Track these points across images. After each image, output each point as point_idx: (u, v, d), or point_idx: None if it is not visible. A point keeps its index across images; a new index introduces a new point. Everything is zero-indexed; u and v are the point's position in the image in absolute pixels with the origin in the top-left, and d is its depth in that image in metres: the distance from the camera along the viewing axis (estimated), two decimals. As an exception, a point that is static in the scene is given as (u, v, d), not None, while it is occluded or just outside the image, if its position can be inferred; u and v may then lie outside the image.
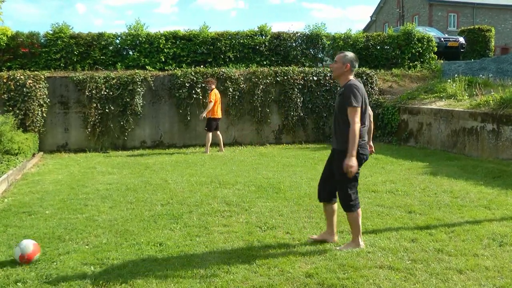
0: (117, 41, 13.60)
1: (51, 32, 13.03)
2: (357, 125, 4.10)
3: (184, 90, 11.92)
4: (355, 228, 4.35)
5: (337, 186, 4.38)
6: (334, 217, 4.54)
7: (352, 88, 4.19)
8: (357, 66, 4.42)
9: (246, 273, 3.80)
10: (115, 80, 11.56)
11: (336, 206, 4.55)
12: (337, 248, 4.34)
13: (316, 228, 4.98)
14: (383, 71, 14.78)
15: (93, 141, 11.60)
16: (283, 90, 12.58)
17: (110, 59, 13.34)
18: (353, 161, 4.08)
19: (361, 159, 4.27)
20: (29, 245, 4.11)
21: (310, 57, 14.95)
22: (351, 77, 4.36)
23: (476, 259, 4.00)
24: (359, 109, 4.15)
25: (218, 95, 10.92)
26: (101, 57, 13.24)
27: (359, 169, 4.28)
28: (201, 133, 12.00)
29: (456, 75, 12.86)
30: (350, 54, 4.39)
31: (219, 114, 10.96)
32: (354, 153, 4.09)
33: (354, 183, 4.31)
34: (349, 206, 4.30)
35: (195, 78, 11.99)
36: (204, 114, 10.78)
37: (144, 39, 13.49)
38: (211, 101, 10.65)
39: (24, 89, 10.84)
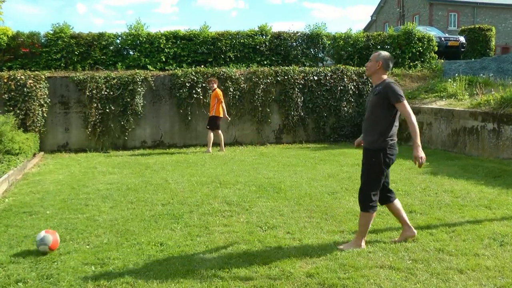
0: (118, 41, 13.59)
1: (51, 32, 13.03)
2: (414, 116, 4.13)
3: (184, 90, 11.93)
4: (363, 229, 4.34)
5: (360, 182, 4.38)
6: (402, 213, 4.51)
7: (392, 85, 4.20)
8: (391, 65, 4.40)
9: (246, 273, 3.80)
10: (115, 80, 11.57)
11: (398, 201, 4.55)
12: (339, 247, 4.34)
13: (317, 228, 4.98)
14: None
15: (93, 141, 11.61)
16: (283, 89, 12.58)
17: (111, 59, 13.34)
18: (420, 152, 4.07)
19: (389, 160, 4.26)
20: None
21: (311, 57, 14.94)
22: (385, 76, 4.36)
23: (477, 259, 4.00)
24: (406, 102, 4.19)
25: (221, 94, 11.00)
26: (102, 57, 13.24)
27: (386, 171, 4.29)
28: (201, 132, 12.01)
29: (456, 74, 12.85)
30: (383, 53, 4.40)
31: (221, 113, 10.99)
32: (419, 142, 4.09)
33: (377, 184, 4.29)
34: (367, 206, 4.28)
35: (195, 78, 12.00)
36: (226, 115, 11.13)
37: (144, 39, 13.48)
38: (221, 100, 10.81)
39: (25, 89, 10.85)
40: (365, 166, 4.35)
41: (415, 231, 4.53)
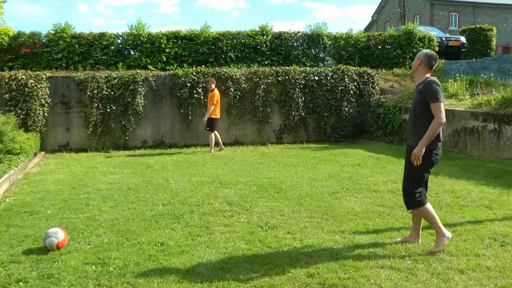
0: (119, 41, 13.63)
1: (52, 32, 13.07)
2: (441, 121, 4.05)
3: (185, 90, 11.93)
4: (432, 221, 4.25)
5: (403, 180, 4.35)
6: (421, 221, 4.45)
7: (433, 84, 4.12)
8: (434, 64, 4.29)
9: (247, 273, 3.80)
10: (116, 80, 11.57)
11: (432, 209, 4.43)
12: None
13: (317, 228, 4.98)
14: (384, 71, 14.78)
15: (94, 141, 11.62)
16: (284, 90, 12.58)
17: (112, 59, 13.37)
18: (421, 150, 4.07)
19: (434, 159, 4.19)
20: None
21: (312, 57, 14.95)
22: (428, 74, 4.28)
23: (478, 259, 4.00)
24: (443, 105, 4.10)
25: (219, 95, 10.97)
26: (103, 57, 13.27)
27: (430, 170, 4.23)
28: (202, 133, 12.01)
29: (457, 74, 12.85)
30: (426, 50, 4.35)
31: (219, 114, 11.00)
32: (425, 144, 4.07)
33: (420, 182, 4.24)
34: (413, 203, 4.23)
35: (196, 78, 12.00)
36: (205, 118, 10.84)
37: (145, 39, 13.51)
38: (213, 103, 10.71)
39: (26, 89, 10.86)
40: (408, 164, 4.27)
41: (420, 241, 4.48)
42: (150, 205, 6.05)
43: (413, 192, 4.24)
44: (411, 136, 4.34)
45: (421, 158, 4.09)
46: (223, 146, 11.26)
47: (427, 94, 4.11)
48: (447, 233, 4.26)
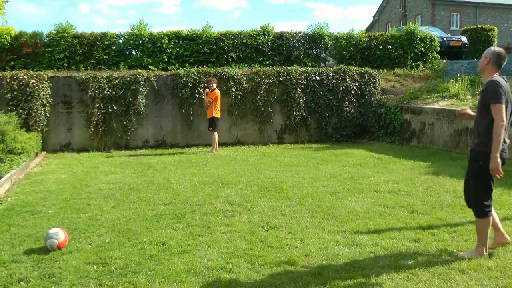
0: (120, 41, 13.66)
1: (54, 32, 13.09)
2: (502, 124, 3.83)
3: (187, 90, 11.93)
4: (482, 236, 4.06)
5: (469, 188, 4.13)
6: (496, 219, 4.23)
7: (494, 84, 3.89)
8: (502, 62, 4.04)
9: (248, 273, 3.81)
10: (118, 80, 11.59)
11: (493, 210, 4.25)
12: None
13: (319, 228, 4.98)
14: (385, 71, 14.77)
15: (96, 141, 11.63)
16: (285, 90, 12.58)
17: (113, 58, 13.39)
18: (496, 163, 3.84)
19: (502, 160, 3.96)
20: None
21: (313, 57, 14.96)
22: (495, 74, 4.05)
23: (479, 259, 3.99)
24: (503, 107, 3.85)
25: (219, 95, 10.97)
26: (104, 57, 13.29)
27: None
28: (203, 132, 12.01)
29: (458, 74, 12.83)
30: (494, 48, 4.10)
31: (219, 114, 11.00)
32: (497, 154, 3.85)
33: (487, 188, 4.03)
34: (480, 212, 4.03)
35: (198, 78, 12.01)
36: (206, 100, 10.90)
37: (147, 39, 13.52)
38: (210, 100, 10.72)
39: (28, 89, 10.87)
40: (470, 169, 4.12)
41: (509, 238, 4.24)
42: (151, 205, 6.06)
43: (480, 199, 4.03)
44: (474, 138, 4.15)
45: (496, 170, 3.88)
46: (217, 149, 11.22)
47: (488, 94, 3.93)
48: (486, 254, 4.07)
